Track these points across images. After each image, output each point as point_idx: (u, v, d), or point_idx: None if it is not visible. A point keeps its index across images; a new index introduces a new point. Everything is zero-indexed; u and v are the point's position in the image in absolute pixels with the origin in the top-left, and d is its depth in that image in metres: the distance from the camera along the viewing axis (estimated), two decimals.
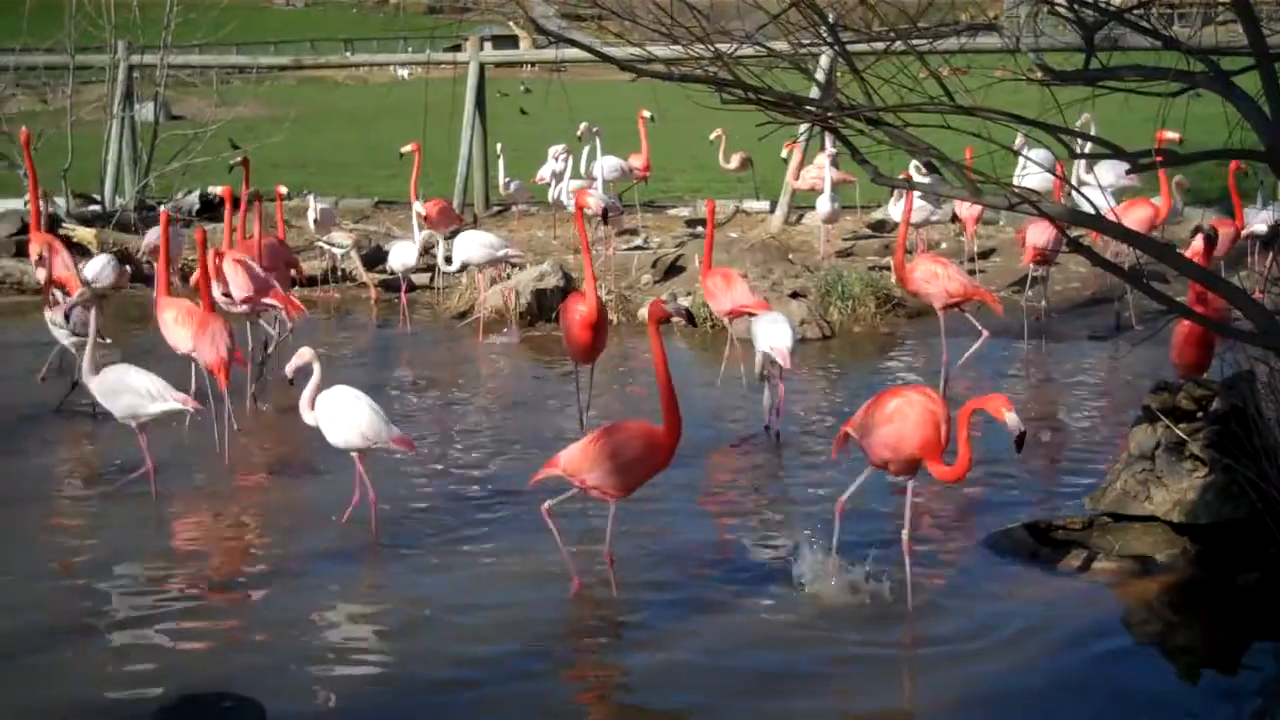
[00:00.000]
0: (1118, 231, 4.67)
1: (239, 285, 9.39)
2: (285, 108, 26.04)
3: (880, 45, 4.64)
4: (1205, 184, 13.96)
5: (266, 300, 9.53)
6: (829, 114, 4.53)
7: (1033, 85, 4.77)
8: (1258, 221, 11.56)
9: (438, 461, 8.28)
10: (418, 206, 12.23)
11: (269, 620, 6.02)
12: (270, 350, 10.08)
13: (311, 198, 13.75)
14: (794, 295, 11.60)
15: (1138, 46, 4.71)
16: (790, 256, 12.87)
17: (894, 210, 12.66)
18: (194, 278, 10.20)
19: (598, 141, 14.26)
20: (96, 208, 15.87)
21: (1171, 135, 8.26)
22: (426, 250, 12.35)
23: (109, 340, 8.94)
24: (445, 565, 6.61)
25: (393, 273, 12.69)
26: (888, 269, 11.90)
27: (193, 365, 8.73)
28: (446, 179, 16.31)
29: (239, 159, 11.13)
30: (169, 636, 5.87)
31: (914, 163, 8.78)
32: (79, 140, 16.10)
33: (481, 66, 16.81)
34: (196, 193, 15.71)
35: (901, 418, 5.88)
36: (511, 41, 41.75)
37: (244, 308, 9.53)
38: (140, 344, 10.27)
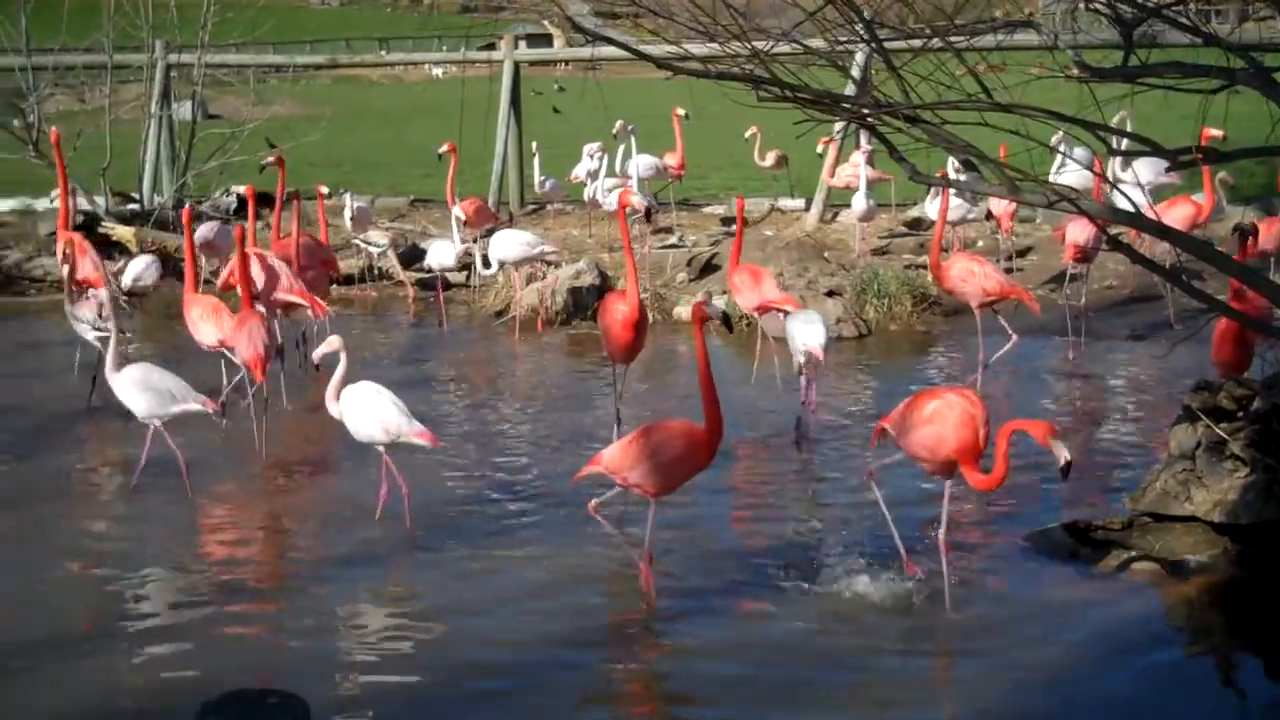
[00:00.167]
0: (1157, 229, 4.64)
1: (260, 283, 9.42)
2: (321, 107, 26.13)
3: (917, 42, 4.61)
4: (1244, 180, 13.84)
5: (289, 299, 9.57)
6: (867, 112, 4.51)
7: (1070, 83, 4.74)
8: None
9: (474, 459, 8.30)
10: (457, 211, 12.19)
11: (306, 617, 6.04)
12: (300, 348, 10.14)
13: (348, 196, 13.80)
14: (829, 294, 11.57)
15: (1176, 43, 4.67)
16: (825, 255, 12.84)
17: (929, 208, 12.61)
18: (221, 277, 10.27)
19: (633, 140, 14.25)
20: (135, 206, 15.97)
21: (1215, 133, 8.20)
22: (465, 261, 12.38)
23: (130, 334, 8.98)
24: (481, 563, 6.61)
25: (430, 271, 12.72)
26: (923, 267, 11.85)
27: (221, 363, 8.80)
28: (481, 177, 16.34)
29: (272, 158, 11.17)
30: (206, 633, 5.89)
31: (951, 160, 8.76)
32: (117, 139, 16.19)
33: (516, 65, 16.83)
34: (235, 192, 15.80)
35: (940, 420, 5.83)
36: (546, 40, 41.82)
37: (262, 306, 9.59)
38: (177, 341, 10.31)
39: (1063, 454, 5.39)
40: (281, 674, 5.42)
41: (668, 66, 4.58)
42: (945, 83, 4.35)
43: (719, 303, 7.20)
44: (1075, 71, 4.69)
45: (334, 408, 7.15)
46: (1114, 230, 7.64)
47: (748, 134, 15.74)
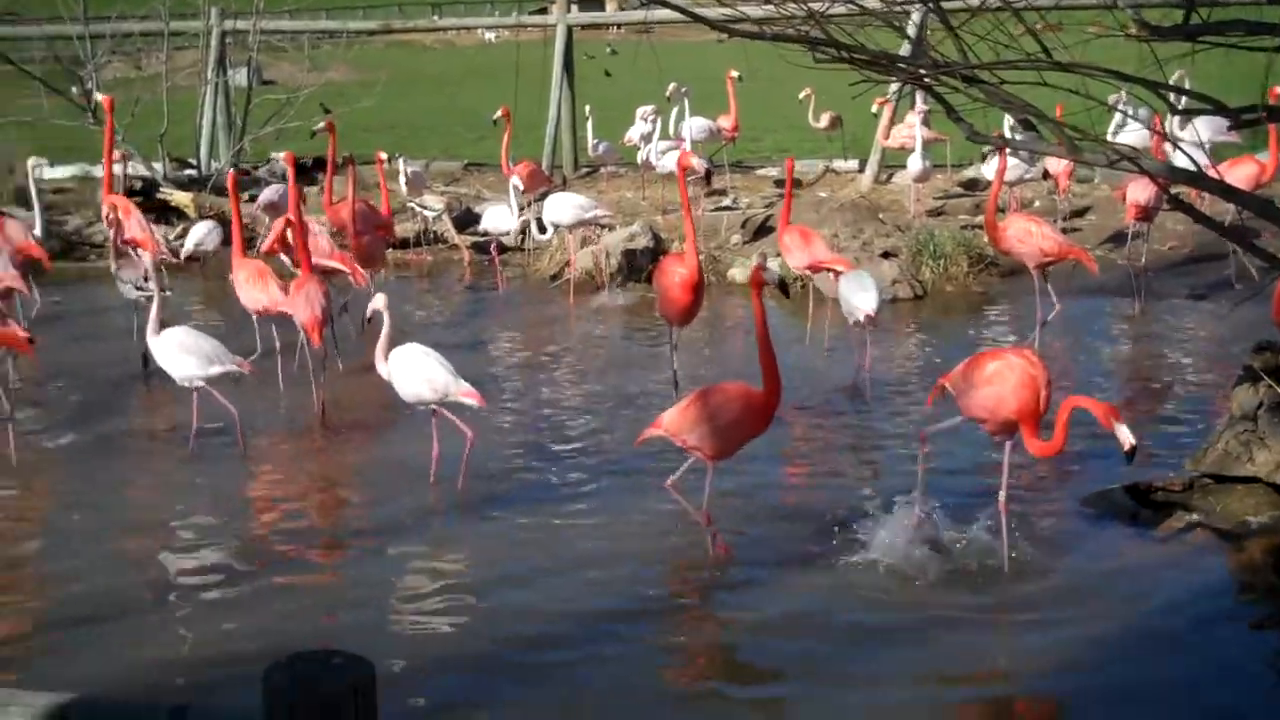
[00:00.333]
0: (1221, 189, 4.58)
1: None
2: (374, 72, 26.13)
3: (974, 1, 4.57)
4: None
5: (329, 264, 9.66)
6: (924, 72, 4.47)
7: (1129, 42, 4.67)
8: None
9: (530, 423, 8.33)
10: (515, 181, 12.15)
11: (362, 586, 6.07)
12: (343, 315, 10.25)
13: (402, 161, 13.84)
14: (885, 255, 11.52)
15: (1238, 0, 4.60)
16: (881, 216, 12.77)
17: (986, 169, 12.53)
18: (265, 241, 10.36)
19: (686, 102, 14.22)
20: (193, 172, 16.12)
21: None
22: (521, 229, 12.41)
23: (169, 293, 9.07)
24: (538, 523, 6.65)
25: (486, 235, 12.75)
26: (979, 228, 11.76)
27: (257, 325, 9.10)
28: (535, 141, 16.35)
29: (323, 124, 11.22)
30: (265, 595, 5.95)
31: (1007, 120, 8.67)
32: (174, 106, 16.31)
33: (569, 29, 16.80)
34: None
35: (1001, 380, 5.80)
36: (598, 3, 41.72)
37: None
38: (232, 305, 10.40)
39: (1127, 438, 5.30)
40: (338, 641, 5.45)
41: (722, 28, 4.55)
42: (1003, 42, 4.31)
43: (774, 265, 7.18)
44: (1134, 30, 4.63)
45: (383, 368, 7.28)
46: (1175, 190, 7.55)
47: (801, 95, 15.67)
